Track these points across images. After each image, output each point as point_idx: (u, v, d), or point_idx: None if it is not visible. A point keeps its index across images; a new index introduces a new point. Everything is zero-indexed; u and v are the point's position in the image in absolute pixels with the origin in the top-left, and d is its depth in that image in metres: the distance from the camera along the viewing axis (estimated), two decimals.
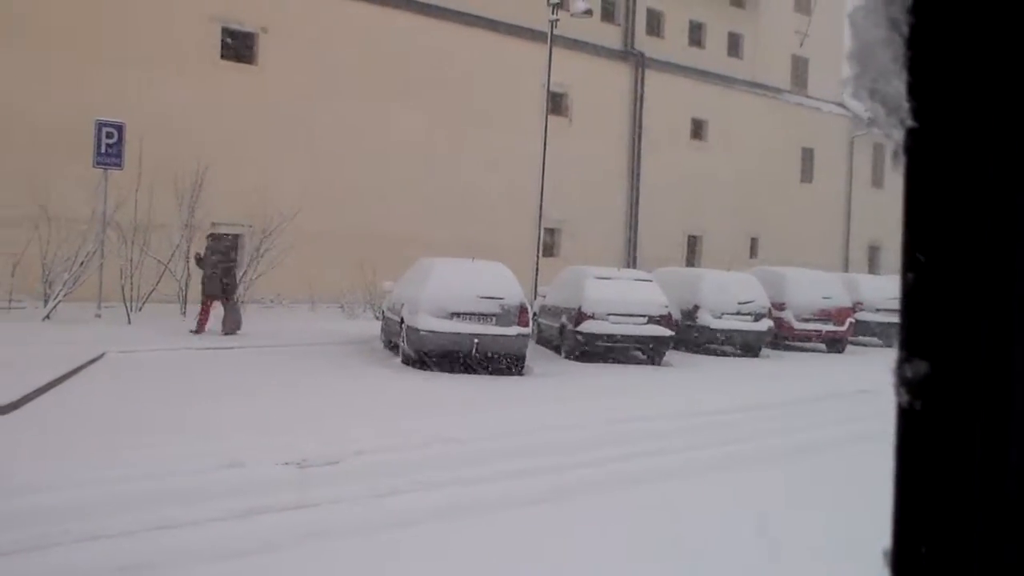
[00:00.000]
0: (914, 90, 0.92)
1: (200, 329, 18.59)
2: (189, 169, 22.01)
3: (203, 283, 18.96)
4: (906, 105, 0.92)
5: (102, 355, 15.01)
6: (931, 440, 0.93)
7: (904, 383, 0.94)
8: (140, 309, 21.04)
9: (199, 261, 19.21)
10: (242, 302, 19.87)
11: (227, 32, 26.83)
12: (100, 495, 7.20)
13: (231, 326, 18.79)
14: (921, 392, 0.93)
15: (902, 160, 0.95)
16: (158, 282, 21.60)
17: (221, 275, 18.78)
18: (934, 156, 0.92)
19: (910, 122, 0.92)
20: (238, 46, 27.05)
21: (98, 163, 20.03)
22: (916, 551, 0.93)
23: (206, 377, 14.16)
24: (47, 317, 18.97)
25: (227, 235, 20.09)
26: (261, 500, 7.29)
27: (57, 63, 23.22)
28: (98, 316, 19.46)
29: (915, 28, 0.91)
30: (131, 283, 20.98)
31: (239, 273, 20.68)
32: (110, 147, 20.04)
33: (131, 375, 13.75)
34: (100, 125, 20.06)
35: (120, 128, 20.18)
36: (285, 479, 8.11)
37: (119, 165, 20.19)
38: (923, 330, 0.93)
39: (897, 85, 0.92)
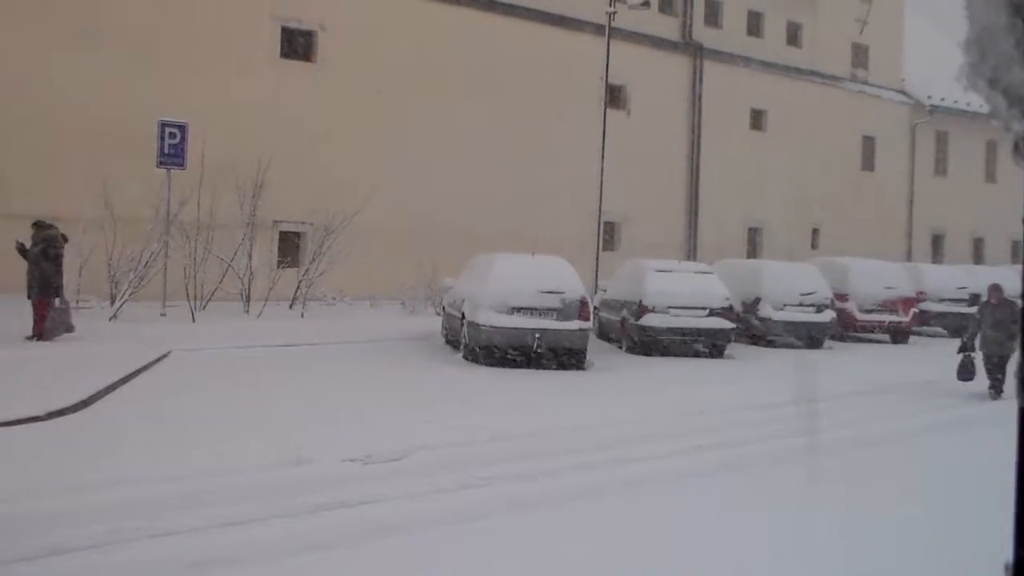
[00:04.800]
0: None
1: (38, 332, 15.76)
2: (251, 168, 22.23)
3: (28, 278, 15.98)
4: None
5: (168, 354, 15.21)
6: None
7: None
8: (204, 308, 21.26)
9: (22, 253, 16.15)
10: (72, 301, 17.07)
11: (286, 31, 27.00)
12: (170, 492, 7.29)
13: (56, 328, 15.91)
14: None
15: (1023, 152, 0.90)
16: (221, 280, 21.84)
17: (44, 269, 15.85)
18: None
19: None
20: (297, 44, 27.22)
21: (161, 163, 20.25)
22: None
23: (271, 375, 14.29)
24: (114, 316, 19.22)
25: (53, 224, 16.55)
26: (329, 496, 7.32)
27: (120, 65, 23.48)
28: (163, 315, 19.70)
29: None
30: (195, 282, 21.23)
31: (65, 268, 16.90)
32: (173, 147, 20.24)
33: (197, 373, 13.92)
34: (163, 125, 20.27)
35: (183, 128, 20.37)
36: (351, 475, 8.16)
37: (182, 165, 20.38)
38: None
39: (1019, 73, 0.87)
